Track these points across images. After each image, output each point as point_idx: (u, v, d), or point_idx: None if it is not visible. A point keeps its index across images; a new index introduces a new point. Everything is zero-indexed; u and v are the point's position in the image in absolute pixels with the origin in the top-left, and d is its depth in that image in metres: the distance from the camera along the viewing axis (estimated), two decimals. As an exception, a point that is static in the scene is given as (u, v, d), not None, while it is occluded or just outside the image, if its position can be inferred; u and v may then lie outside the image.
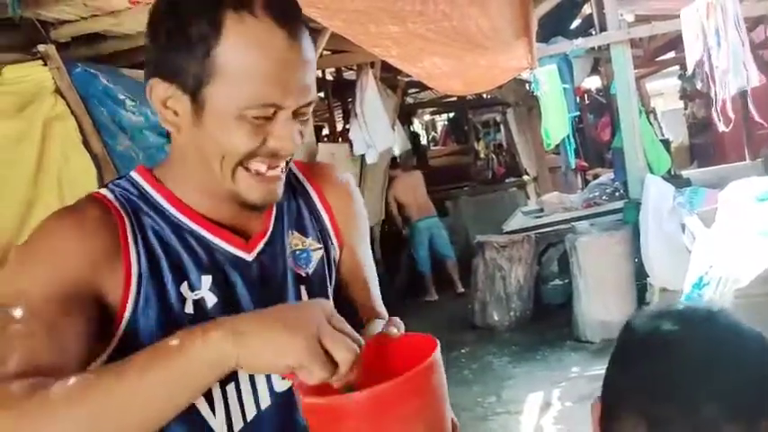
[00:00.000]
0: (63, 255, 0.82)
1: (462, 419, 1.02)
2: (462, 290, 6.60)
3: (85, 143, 2.20)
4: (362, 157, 5.68)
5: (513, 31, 2.54)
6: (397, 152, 7.45)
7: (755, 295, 2.43)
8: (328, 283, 1.02)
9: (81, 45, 2.73)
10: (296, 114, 0.84)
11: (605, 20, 4.79)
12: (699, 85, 3.86)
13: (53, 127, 2.12)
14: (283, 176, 0.89)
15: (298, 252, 0.98)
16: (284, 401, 0.93)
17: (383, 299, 1.07)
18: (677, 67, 8.67)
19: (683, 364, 0.72)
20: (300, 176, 1.03)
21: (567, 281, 5.47)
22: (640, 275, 4.51)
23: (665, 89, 11.72)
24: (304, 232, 1.00)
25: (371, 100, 5.44)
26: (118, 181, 0.92)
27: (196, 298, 0.87)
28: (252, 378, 0.90)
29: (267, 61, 0.80)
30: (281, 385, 0.92)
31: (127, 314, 0.84)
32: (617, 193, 5.65)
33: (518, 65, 3.17)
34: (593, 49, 5.37)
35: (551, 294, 5.72)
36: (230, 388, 0.88)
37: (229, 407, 0.88)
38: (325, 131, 8.23)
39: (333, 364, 0.68)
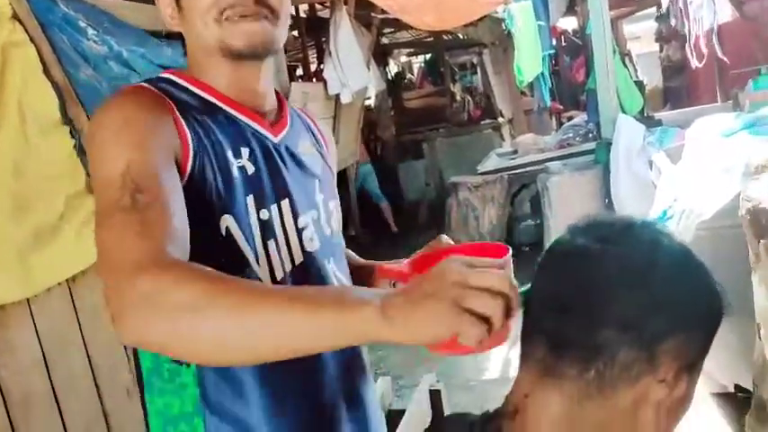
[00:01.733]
0: (144, 122, 0.90)
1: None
2: (396, 229, 7.03)
3: (46, 72, 2.13)
4: (337, 96, 5.61)
5: (486, -40, 2.49)
6: (372, 92, 7.36)
7: (717, 228, 2.48)
8: (334, 189, 1.17)
9: (39, -29, 2.62)
10: None
11: (582, -44, 4.72)
12: (673, 23, 3.85)
13: (11, 54, 2.05)
14: (267, 25, 0.99)
15: (308, 154, 1.12)
16: (313, 259, 1.06)
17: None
18: (654, 10, 8.61)
19: (587, 284, 0.70)
20: (301, 113, 1.19)
21: (538, 221, 5.55)
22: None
23: (641, 32, 11.64)
24: (310, 143, 1.15)
25: (346, 38, 5.33)
26: (146, 79, 1.03)
27: (239, 165, 0.99)
28: (287, 238, 1.02)
29: None
30: (310, 246, 1.06)
31: (186, 176, 0.92)
32: (590, 135, 5.67)
33: (492, -1, 3.12)
34: (569, -14, 5.31)
35: (524, 234, 5.82)
36: (270, 243, 1.00)
37: (271, 260, 0.99)
38: (299, 72, 8.09)
39: (484, 320, 0.65)
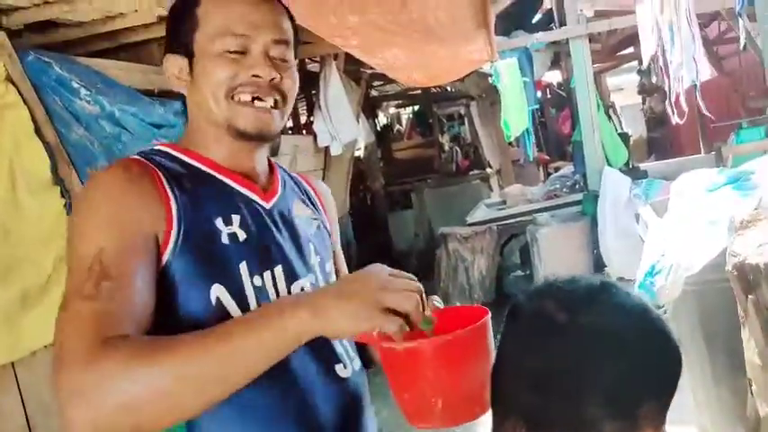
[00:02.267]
0: (125, 205, 0.92)
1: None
2: None
3: (38, 132, 2.15)
4: (327, 148, 5.67)
5: (472, 22, 2.57)
6: (361, 144, 7.45)
7: (705, 282, 2.50)
8: (330, 249, 1.17)
9: (34, 33, 2.66)
10: (271, 58, 1.01)
11: (565, 14, 4.86)
12: (654, 79, 3.95)
13: (4, 116, 2.08)
14: (276, 113, 1.02)
15: (302, 216, 1.12)
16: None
17: None
18: (636, 63, 8.84)
19: (562, 360, 0.70)
20: (294, 175, 1.20)
21: (528, 271, 5.57)
22: (598, 265, 4.60)
23: (624, 84, 11.92)
24: (305, 204, 1.15)
25: (335, 92, 5.42)
26: (142, 151, 1.04)
27: (230, 232, 0.99)
28: (274, 282, 1.03)
29: (234, 5, 1.00)
30: (296, 288, 1.05)
31: (168, 251, 0.93)
32: (577, 186, 5.75)
33: (479, 57, 3.20)
34: (553, 43, 5.45)
35: (513, 284, 5.82)
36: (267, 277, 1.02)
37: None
38: (289, 124, 8.18)
39: (402, 315, 0.80)
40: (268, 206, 1.05)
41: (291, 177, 1.18)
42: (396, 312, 0.79)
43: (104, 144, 2.34)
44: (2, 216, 1.97)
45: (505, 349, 0.76)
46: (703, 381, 2.58)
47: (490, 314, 0.87)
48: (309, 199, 1.17)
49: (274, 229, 1.04)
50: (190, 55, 1.02)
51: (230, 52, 0.99)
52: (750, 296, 2.14)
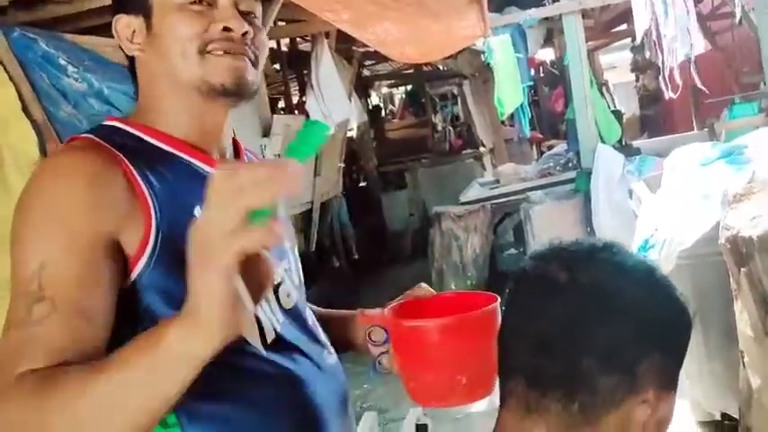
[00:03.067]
0: (86, 210, 0.79)
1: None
2: (356, 256, 6.96)
3: (25, 110, 2.13)
4: (318, 128, 5.63)
5: (464, -4, 2.55)
6: (354, 124, 7.41)
7: (698, 256, 2.51)
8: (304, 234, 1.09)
9: (20, 10, 2.62)
10: (241, 12, 0.91)
11: (558, -10, 4.82)
12: (648, 54, 3.93)
13: (-10, 94, 2.05)
14: (249, 65, 0.92)
15: None
16: (292, 315, 0.98)
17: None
18: (629, 40, 8.80)
19: (560, 317, 0.70)
20: (253, 157, 1.10)
21: (521, 249, 5.57)
22: (592, 242, 4.61)
23: (617, 62, 11.88)
24: None
25: (327, 71, 5.37)
26: (91, 129, 0.92)
27: None
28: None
29: None
30: (287, 303, 0.98)
31: (145, 256, 0.82)
32: (570, 164, 5.74)
33: (471, 32, 3.17)
34: (547, 19, 5.41)
35: (507, 262, 5.83)
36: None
37: (259, 319, 0.90)
38: (281, 104, 8.13)
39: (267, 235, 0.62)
40: None
41: (254, 158, 1.10)
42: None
43: (93, 122, 2.30)
44: (-10, 195, 1.95)
45: (508, 313, 0.77)
46: (696, 354, 2.60)
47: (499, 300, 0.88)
48: None
49: None
50: (146, 13, 0.90)
51: (194, 3, 0.89)
52: (743, 269, 2.15)
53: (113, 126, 0.92)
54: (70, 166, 0.83)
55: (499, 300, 0.87)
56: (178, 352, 0.65)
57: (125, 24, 0.92)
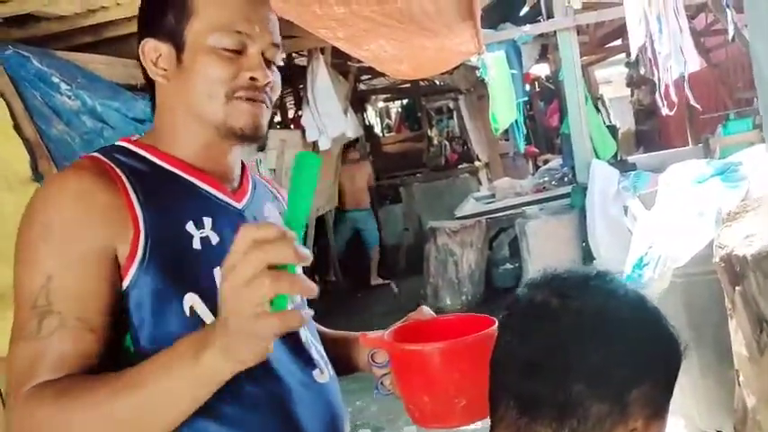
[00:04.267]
0: (78, 223, 0.85)
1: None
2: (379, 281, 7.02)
3: (17, 128, 2.11)
4: (315, 143, 5.63)
5: (458, 13, 2.55)
6: (351, 136, 7.43)
7: (692, 274, 2.50)
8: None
9: (13, 27, 2.62)
10: (265, 59, 0.97)
11: (552, 6, 4.85)
12: (642, 71, 3.95)
13: (-18, 111, 2.04)
14: (266, 112, 0.98)
15: (270, 219, 1.07)
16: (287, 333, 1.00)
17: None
18: (624, 55, 8.86)
19: (551, 342, 0.70)
20: (261, 179, 1.15)
21: (517, 264, 5.56)
22: (588, 258, 4.61)
23: (612, 77, 11.96)
24: (274, 208, 1.10)
25: (323, 86, 5.39)
26: (101, 149, 0.96)
27: (202, 236, 0.93)
28: None
29: (234, 1, 0.95)
30: None
31: (134, 266, 0.87)
32: (565, 178, 5.75)
33: (466, 49, 3.19)
34: (541, 35, 5.44)
35: (502, 278, 5.81)
36: None
37: None
38: (277, 118, 8.13)
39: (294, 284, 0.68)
40: (240, 206, 1.00)
41: (262, 181, 1.14)
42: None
43: (86, 139, 2.30)
44: (-20, 213, 1.93)
45: (500, 338, 0.77)
46: (690, 371, 2.59)
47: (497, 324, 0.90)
48: (279, 204, 1.13)
49: None
50: (177, 45, 0.95)
51: (226, 50, 0.93)
52: (737, 288, 2.14)
53: (121, 146, 0.97)
54: (58, 185, 0.89)
55: (496, 323, 0.88)
56: (210, 371, 0.73)
57: (152, 48, 0.96)
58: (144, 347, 0.86)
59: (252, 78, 0.94)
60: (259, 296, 0.67)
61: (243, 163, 1.08)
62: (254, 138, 0.97)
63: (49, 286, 0.82)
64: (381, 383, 1.03)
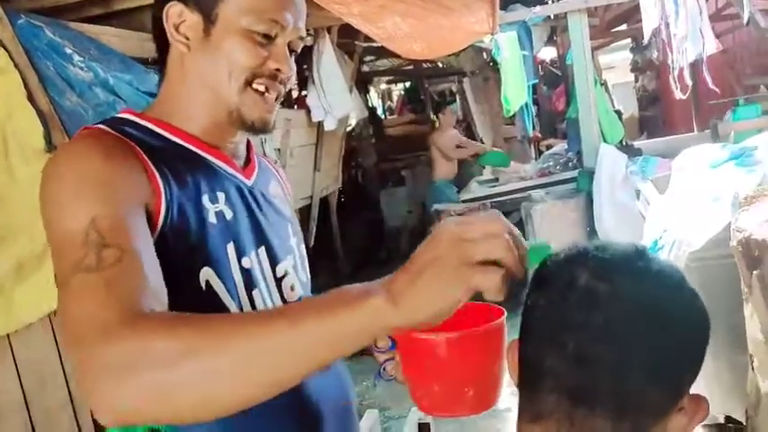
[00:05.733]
0: (110, 171, 0.82)
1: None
2: None
3: (30, 98, 2.09)
4: (319, 123, 5.60)
5: (477, -9, 2.52)
6: (353, 120, 7.38)
7: (708, 258, 2.50)
8: (302, 233, 1.12)
9: (23, -3, 2.57)
10: (289, 49, 0.96)
11: (563, -12, 4.80)
12: (654, 55, 3.92)
13: (-5, 81, 2.01)
14: (276, 108, 0.97)
15: (278, 197, 1.07)
16: None
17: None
18: (628, 41, 8.80)
19: (605, 331, 0.67)
20: (264, 159, 1.15)
21: (521, 248, 5.54)
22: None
23: (615, 62, 11.90)
24: (278, 186, 1.11)
25: (329, 65, 5.34)
26: (105, 120, 0.94)
27: (217, 210, 0.92)
28: (268, 288, 0.97)
29: None
30: (291, 296, 1.01)
31: (158, 229, 0.85)
32: (570, 163, 5.73)
33: (480, 29, 3.14)
34: (549, 17, 5.39)
35: (506, 262, 5.79)
36: (256, 294, 0.94)
37: (256, 309, 0.93)
38: (293, 81, 8.07)
39: (497, 267, 0.62)
40: (249, 183, 1.01)
41: (263, 159, 1.14)
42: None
43: (98, 112, 2.27)
44: (-5, 184, 1.91)
45: (540, 324, 0.72)
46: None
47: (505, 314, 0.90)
48: (280, 182, 1.14)
49: (256, 207, 1.00)
50: (208, 16, 0.92)
51: (258, 34, 0.92)
52: (755, 272, 2.13)
53: (125, 118, 0.94)
54: (89, 145, 0.86)
55: (505, 314, 0.87)
56: (367, 326, 0.62)
57: (177, 13, 0.93)
58: None
59: (277, 70, 0.94)
60: (480, 252, 0.60)
61: (248, 140, 1.07)
62: (263, 131, 0.97)
63: (96, 224, 0.75)
64: (384, 369, 1.01)
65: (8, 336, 1.95)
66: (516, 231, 0.64)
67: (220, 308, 0.89)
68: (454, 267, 0.60)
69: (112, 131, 0.89)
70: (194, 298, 0.86)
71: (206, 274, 0.88)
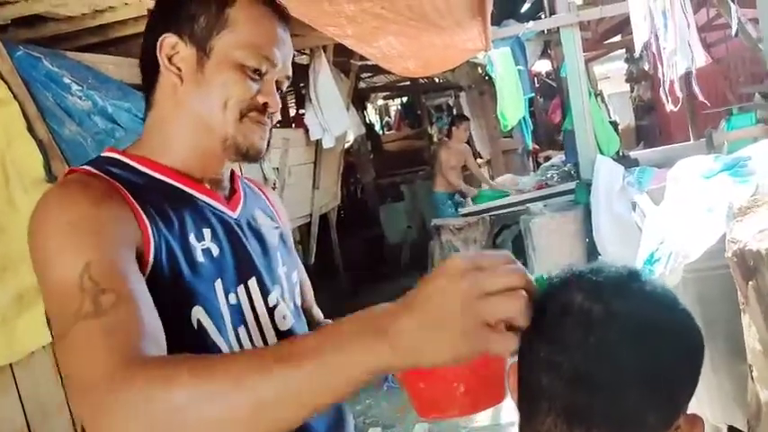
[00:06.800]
0: (99, 216, 0.82)
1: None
2: None
3: (30, 129, 2.11)
4: (317, 141, 5.63)
5: (468, 10, 2.55)
6: (351, 137, 7.42)
7: (704, 269, 2.50)
8: (295, 259, 1.12)
9: (21, 27, 2.61)
10: (276, 86, 0.99)
11: (555, 3, 4.84)
12: (646, 67, 3.95)
13: (-5, 112, 2.03)
14: (268, 136, 1.00)
15: (266, 225, 1.08)
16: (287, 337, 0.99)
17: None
18: (623, 51, 8.85)
19: (601, 351, 0.68)
20: (250, 183, 1.16)
21: (521, 261, 5.54)
22: (593, 254, 4.61)
23: (610, 73, 11.95)
24: (264, 214, 1.11)
25: (325, 84, 5.38)
26: (90, 161, 0.95)
27: (203, 247, 0.93)
28: (257, 321, 0.97)
29: (267, 28, 0.97)
30: (283, 325, 1.01)
31: (147, 272, 0.85)
32: (569, 175, 5.75)
33: (473, 46, 3.18)
34: (542, 32, 5.44)
35: (506, 275, 5.80)
36: (241, 330, 0.93)
37: (243, 348, 0.93)
38: (278, 117, 8.12)
39: (508, 327, 0.60)
40: (234, 215, 1.01)
41: (248, 186, 1.13)
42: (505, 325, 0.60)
43: (98, 140, 2.30)
44: (-4, 215, 1.93)
45: (535, 345, 0.72)
46: (702, 367, 2.59)
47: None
48: (268, 207, 1.14)
49: (244, 239, 1.00)
50: (202, 49, 0.95)
51: (250, 69, 0.95)
52: (750, 282, 2.14)
53: (110, 157, 0.96)
54: (75, 192, 0.85)
55: None
56: (365, 368, 0.61)
57: (172, 44, 0.95)
58: None
59: (265, 104, 0.96)
60: (500, 312, 0.58)
61: (232, 170, 1.08)
62: (256, 159, 0.99)
63: (90, 271, 0.76)
64: (393, 374, 1.03)
65: (11, 365, 1.96)
66: (529, 277, 0.61)
67: (211, 346, 0.89)
68: (471, 327, 0.58)
69: (98, 172, 0.90)
70: (186, 337, 0.86)
71: (197, 312, 0.89)
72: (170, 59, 0.95)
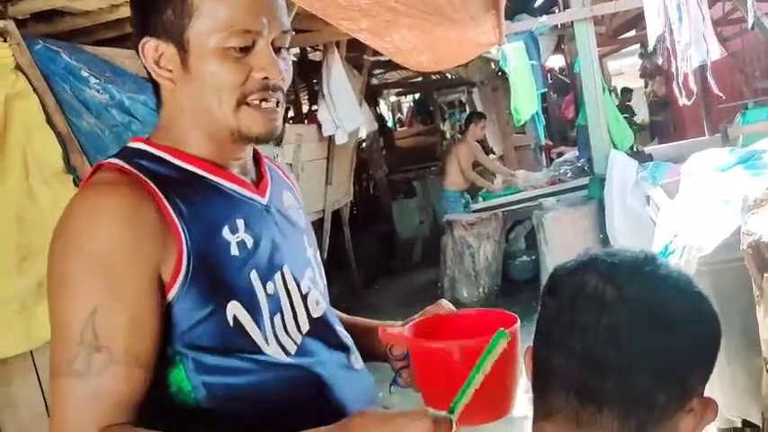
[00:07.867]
0: (128, 253, 0.81)
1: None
2: None
3: (49, 121, 2.14)
4: (330, 137, 5.65)
5: (482, 4, 2.55)
6: (363, 133, 7.43)
7: (719, 262, 2.49)
8: (316, 242, 1.10)
9: (39, 22, 2.64)
10: (274, 48, 0.91)
11: (569, -3, 4.83)
12: (660, 61, 3.92)
13: (15, 105, 2.07)
14: (279, 110, 0.93)
15: (292, 207, 1.05)
16: (321, 323, 1.00)
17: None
18: (637, 46, 8.81)
19: (613, 333, 0.69)
20: (273, 165, 1.11)
21: (534, 257, 5.56)
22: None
23: (624, 68, 11.91)
24: (291, 194, 1.08)
25: (338, 80, 5.39)
26: (119, 153, 0.93)
27: (238, 240, 0.90)
28: (293, 308, 0.95)
29: None
30: (316, 311, 0.99)
31: (178, 282, 0.84)
32: (582, 170, 5.73)
33: (487, 40, 3.18)
34: (556, 26, 5.41)
35: (519, 270, 5.81)
36: (276, 319, 0.92)
37: (278, 338, 0.92)
38: (291, 113, 8.15)
39: None
40: (265, 201, 0.98)
41: (272, 166, 1.10)
42: None
43: (115, 132, 2.33)
44: (16, 205, 1.97)
45: (551, 327, 0.75)
46: (717, 361, 2.58)
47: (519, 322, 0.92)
48: (292, 188, 1.12)
49: (274, 225, 0.97)
50: (179, 45, 0.88)
51: (233, 49, 0.87)
52: (766, 274, 2.13)
53: (139, 148, 0.92)
54: (104, 205, 0.83)
55: (518, 322, 0.90)
56: None
57: (153, 48, 0.89)
58: (202, 380, 0.86)
59: (264, 78, 0.89)
60: None
61: (257, 151, 1.04)
62: (268, 141, 0.94)
63: (94, 320, 0.78)
64: (399, 376, 1.02)
65: (31, 352, 2.00)
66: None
67: (246, 340, 0.89)
68: None
69: (129, 167, 0.87)
70: (222, 335, 0.86)
71: (233, 308, 0.87)
72: (158, 63, 0.90)
